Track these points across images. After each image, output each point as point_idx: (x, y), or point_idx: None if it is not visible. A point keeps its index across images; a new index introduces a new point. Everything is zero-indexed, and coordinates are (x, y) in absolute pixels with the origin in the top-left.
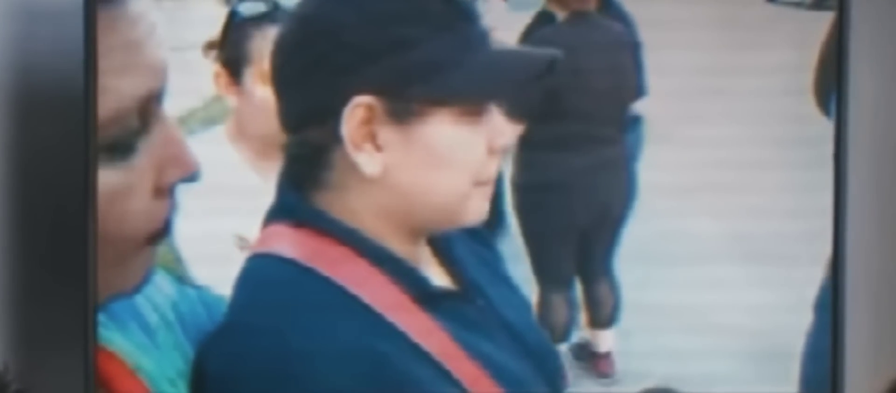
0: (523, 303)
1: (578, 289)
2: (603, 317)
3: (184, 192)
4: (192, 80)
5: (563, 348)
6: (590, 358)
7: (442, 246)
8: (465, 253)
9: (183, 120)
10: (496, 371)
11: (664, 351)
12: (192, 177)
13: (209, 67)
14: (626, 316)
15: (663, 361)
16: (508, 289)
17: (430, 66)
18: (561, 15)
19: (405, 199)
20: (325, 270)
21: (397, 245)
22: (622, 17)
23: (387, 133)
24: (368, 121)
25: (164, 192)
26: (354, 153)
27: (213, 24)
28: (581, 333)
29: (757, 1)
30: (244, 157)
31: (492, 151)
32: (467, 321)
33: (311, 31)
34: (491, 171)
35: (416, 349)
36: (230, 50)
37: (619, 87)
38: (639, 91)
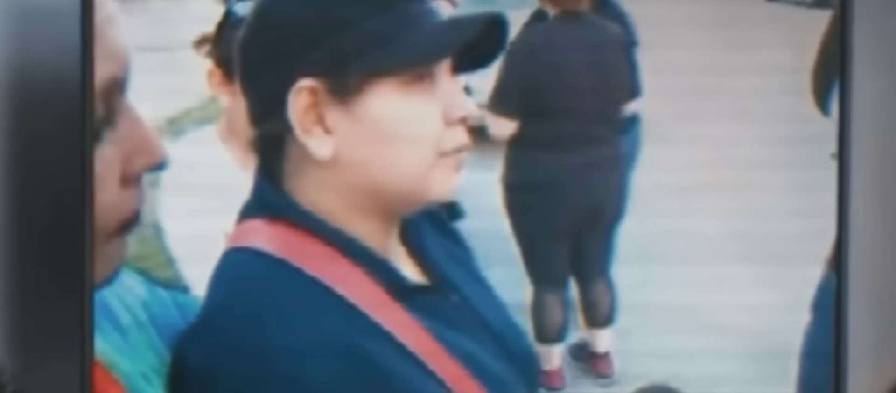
0: (496, 300)
1: (574, 289)
2: (600, 317)
3: (175, 192)
4: (185, 80)
5: (560, 348)
6: (588, 358)
7: (414, 242)
8: (437, 250)
9: (176, 119)
10: (472, 363)
11: (664, 351)
12: (159, 165)
13: (201, 67)
14: (626, 316)
15: (663, 362)
16: (482, 286)
17: (367, 42)
18: (551, 13)
19: (362, 177)
20: (300, 263)
21: (369, 237)
22: (618, 17)
23: (333, 114)
24: (314, 105)
25: (132, 182)
26: (304, 138)
27: (206, 22)
28: (580, 333)
29: (758, 1)
30: (234, 156)
31: (450, 123)
32: (442, 315)
33: (261, 24)
34: (453, 141)
35: (391, 341)
36: (225, 48)
37: (611, 86)
38: (633, 91)
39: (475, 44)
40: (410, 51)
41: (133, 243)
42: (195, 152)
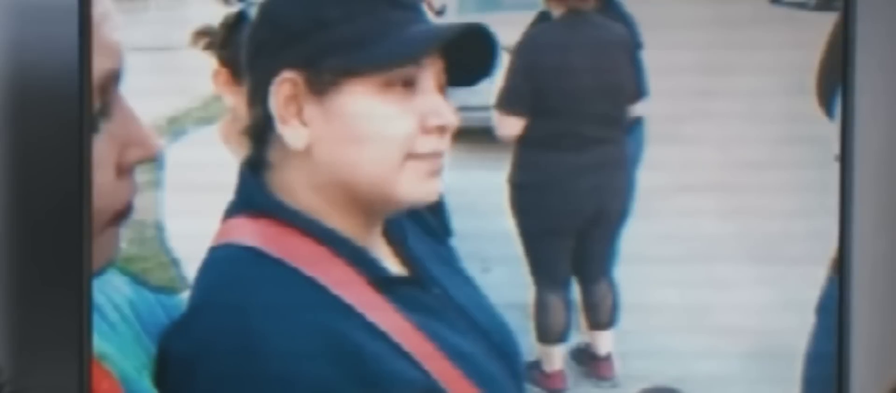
0: (482, 297)
1: (576, 290)
2: (602, 318)
3: (177, 192)
4: (185, 80)
5: (562, 350)
6: (590, 362)
7: (397, 238)
8: (420, 248)
9: (176, 119)
10: (456, 356)
11: (667, 352)
12: (153, 158)
13: (202, 67)
14: (628, 317)
15: (666, 363)
16: (467, 284)
17: (347, 42)
18: (556, 13)
19: (334, 173)
20: (284, 258)
21: (350, 232)
22: (623, 18)
23: (311, 108)
24: (294, 97)
25: (126, 173)
26: (282, 128)
27: (206, 22)
28: (582, 336)
29: (761, 2)
30: (236, 156)
31: (426, 130)
32: (426, 308)
33: (260, 21)
34: (425, 146)
35: (376, 333)
36: (234, 49)
37: (618, 86)
38: (639, 93)
39: (465, 57)
40: (384, 52)
41: (134, 244)
42: (197, 152)
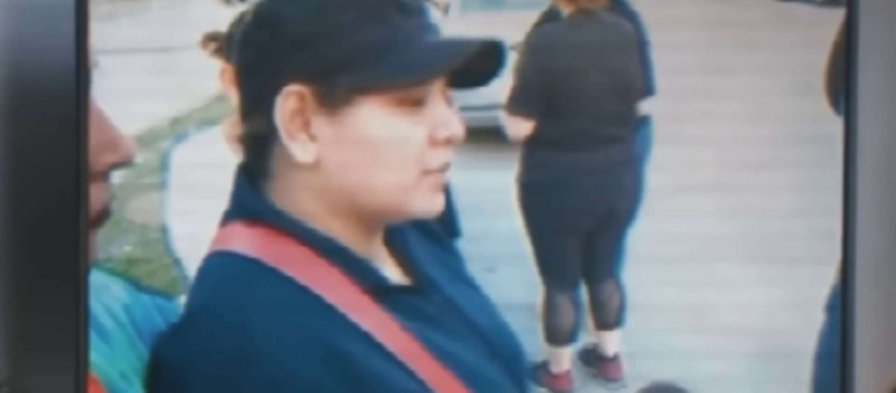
0: (485, 301)
1: (584, 290)
2: (608, 318)
3: (181, 193)
4: (187, 81)
5: (570, 350)
6: (598, 362)
7: (398, 245)
8: (421, 252)
9: (178, 120)
10: (455, 364)
11: (671, 353)
12: (126, 162)
13: (204, 68)
14: (635, 318)
15: (671, 363)
16: (469, 288)
17: (359, 54)
18: (566, 11)
19: (343, 187)
20: (279, 265)
21: (351, 239)
22: (631, 16)
23: (320, 122)
24: (301, 110)
25: (100, 177)
26: (289, 142)
27: (207, 23)
28: (589, 338)
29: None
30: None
31: (434, 142)
32: (424, 316)
33: (258, 23)
34: (437, 160)
35: (371, 342)
36: None
37: (625, 85)
38: (646, 90)
39: (472, 64)
40: (401, 69)
41: (138, 247)
42: (202, 153)
